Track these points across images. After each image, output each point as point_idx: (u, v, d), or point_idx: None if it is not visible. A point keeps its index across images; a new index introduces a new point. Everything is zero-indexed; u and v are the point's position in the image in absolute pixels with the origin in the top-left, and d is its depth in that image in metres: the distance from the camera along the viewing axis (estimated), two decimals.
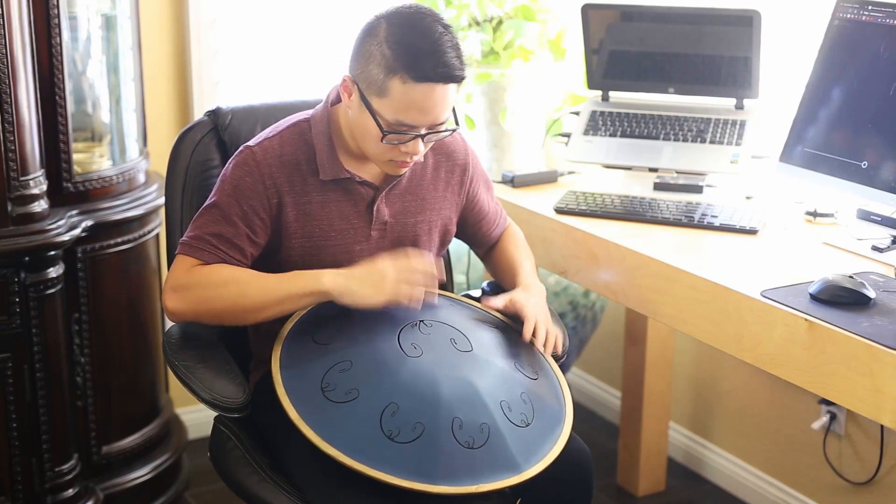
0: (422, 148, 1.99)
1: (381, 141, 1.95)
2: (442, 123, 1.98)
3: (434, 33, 1.91)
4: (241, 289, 1.99)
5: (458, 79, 1.94)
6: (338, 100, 2.08)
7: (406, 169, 2.04)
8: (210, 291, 1.99)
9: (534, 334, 2.07)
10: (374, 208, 2.09)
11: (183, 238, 2.04)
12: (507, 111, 2.95)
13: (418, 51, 1.89)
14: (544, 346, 2.08)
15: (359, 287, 1.95)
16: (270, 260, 2.07)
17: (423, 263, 1.98)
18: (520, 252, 2.29)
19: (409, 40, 1.90)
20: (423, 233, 2.15)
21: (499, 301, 2.11)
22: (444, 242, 2.22)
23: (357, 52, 1.96)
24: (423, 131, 1.96)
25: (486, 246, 2.34)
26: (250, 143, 2.07)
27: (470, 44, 2.96)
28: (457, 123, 2.05)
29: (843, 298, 2.00)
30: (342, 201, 2.07)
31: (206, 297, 1.99)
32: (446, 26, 1.94)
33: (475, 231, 2.29)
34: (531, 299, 2.12)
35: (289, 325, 2.00)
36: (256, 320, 2.02)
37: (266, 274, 2.01)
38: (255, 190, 2.02)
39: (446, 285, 2.43)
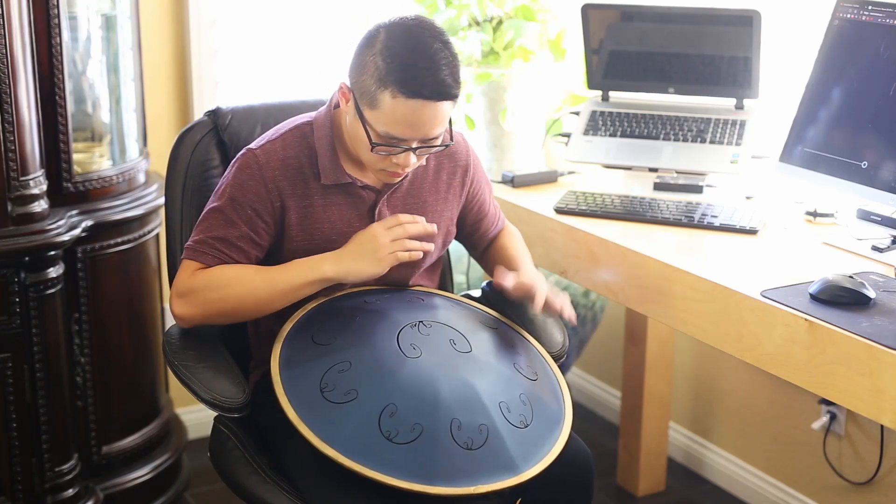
0: (413, 161, 1.98)
1: (371, 151, 1.95)
2: (435, 138, 1.97)
3: (429, 49, 1.90)
4: (245, 286, 1.99)
5: (449, 97, 1.92)
6: None
7: (399, 179, 2.04)
8: (216, 293, 1.99)
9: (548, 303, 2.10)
10: (376, 212, 2.09)
11: (187, 243, 2.04)
12: (507, 111, 2.95)
13: (411, 66, 1.88)
14: (561, 309, 2.11)
15: (357, 264, 2.00)
16: (274, 262, 2.08)
17: (411, 218, 2.03)
18: (518, 248, 2.29)
19: (403, 55, 1.89)
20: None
21: (509, 280, 2.11)
22: (445, 243, 2.22)
23: (354, 60, 1.96)
24: (414, 145, 1.95)
25: (482, 246, 2.32)
26: (252, 145, 2.06)
27: (470, 44, 2.96)
28: (451, 139, 2.04)
29: (843, 298, 2.00)
30: (344, 205, 2.07)
31: (213, 299, 1.99)
32: (445, 42, 1.92)
33: (473, 231, 2.28)
34: (538, 277, 2.14)
35: (288, 326, 2.00)
36: (265, 313, 2.04)
37: (267, 267, 2.02)
38: (258, 193, 2.01)
39: (446, 285, 2.43)
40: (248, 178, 2.02)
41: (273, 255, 2.07)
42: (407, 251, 2.02)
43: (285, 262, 2.05)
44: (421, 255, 2.04)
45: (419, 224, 2.04)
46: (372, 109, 1.92)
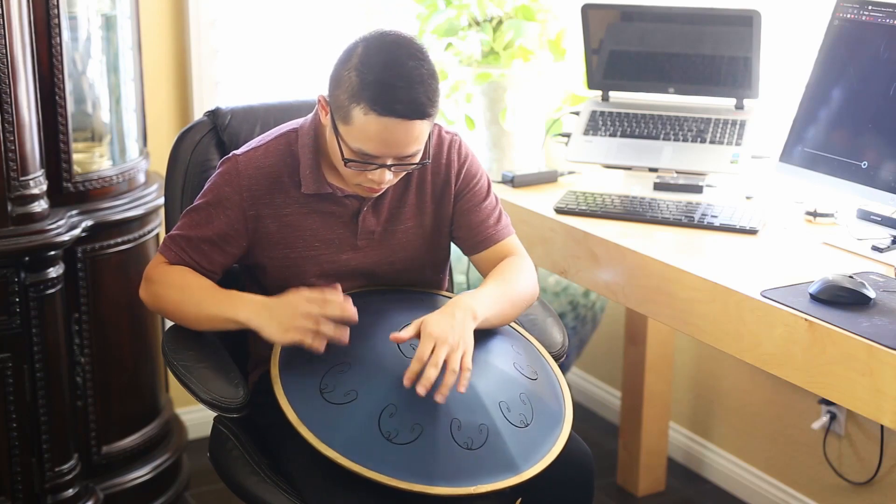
0: (389, 177, 1.95)
1: (345, 167, 1.94)
2: (411, 156, 1.94)
3: (404, 66, 1.85)
4: (186, 296, 2.02)
5: (423, 116, 1.88)
6: None
7: (376, 194, 2.01)
8: (163, 290, 2.05)
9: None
10: (360, 219, 2.07)
11: (165, 236, 2.08)
12: (507, 111, 2.95)
13: (385, 83, 1.85)
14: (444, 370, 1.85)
15: (268, 324, 1.93)
16: (257, 271, 2.09)
17: (337, 300, 1.90)
18: (494, 275, 2.10)
19: (377, 71, 1.85)
20: (416, 237, 2.13)
21: (409, 330, 1.90)
22: (445, 244, 2.19)
23: (332, 73, 1.93)
24: (389, 162, 1.92)
25: (473, 247, 2.18)
26: (237, 151, 2.07)
27: (470, 44, 2.96)
28: (427, 157, 1.99)
29: (843, 298, 1.99)
30: (326, 213, 2.06)
31: (160, 295, 2.05)
32: (422, 60, 1.88)
33: (457, 229, 2.17)
34: (442, 321, 1.89)
35: None
36: (197, 329, 2.05)
37: (216, 289, 2.02)
38: (232, 200, 2.03)
39: (447, 286, 2.43)
40: (225, 183, 2.04)
41: (256, 265, 2.08)
42: (314, 334, 1.88)
43: (268, 273, 2.07)
44: (323, 348, 1.89)
45: (340, 308, 1.90)
46: (345, 124, 1.90)
